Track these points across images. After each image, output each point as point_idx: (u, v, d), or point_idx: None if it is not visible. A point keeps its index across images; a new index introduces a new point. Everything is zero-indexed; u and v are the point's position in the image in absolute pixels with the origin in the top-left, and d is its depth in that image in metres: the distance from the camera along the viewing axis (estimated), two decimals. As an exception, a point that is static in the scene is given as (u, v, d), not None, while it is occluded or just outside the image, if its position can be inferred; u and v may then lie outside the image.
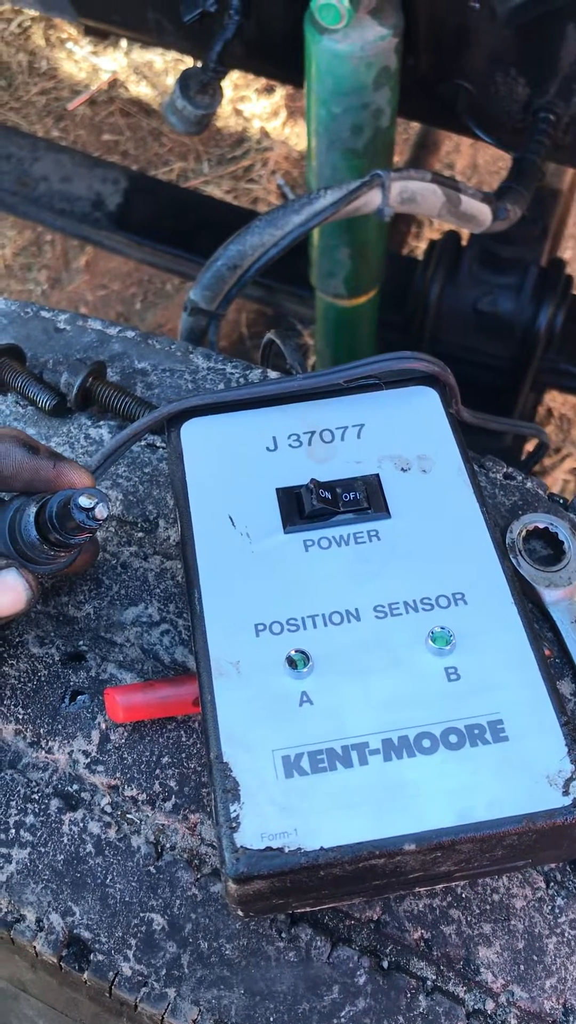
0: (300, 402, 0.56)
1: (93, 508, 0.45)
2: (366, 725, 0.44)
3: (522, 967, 0.50)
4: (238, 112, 1.87)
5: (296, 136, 1.85)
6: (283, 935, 0.49)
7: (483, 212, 0.91)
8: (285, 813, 0.42)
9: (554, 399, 1.61)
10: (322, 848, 0.41)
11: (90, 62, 1.93)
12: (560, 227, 1.45)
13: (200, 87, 1.05)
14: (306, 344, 1.59)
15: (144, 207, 1.33)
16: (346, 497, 0.51)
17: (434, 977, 0.49)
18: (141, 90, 1.89)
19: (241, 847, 0.41)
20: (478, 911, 0.51)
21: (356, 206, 0.82)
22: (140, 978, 0.48)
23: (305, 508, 0.51)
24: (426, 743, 0.44)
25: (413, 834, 0.41)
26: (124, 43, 1.91)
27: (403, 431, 0.54)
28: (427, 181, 0.85)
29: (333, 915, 0.50)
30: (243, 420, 0.55)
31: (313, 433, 0.54)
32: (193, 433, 0.55)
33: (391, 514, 0.51)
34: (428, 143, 1.55)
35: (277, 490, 0.52)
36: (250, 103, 1.88)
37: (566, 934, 0.50)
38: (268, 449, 0.54)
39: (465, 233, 1.19)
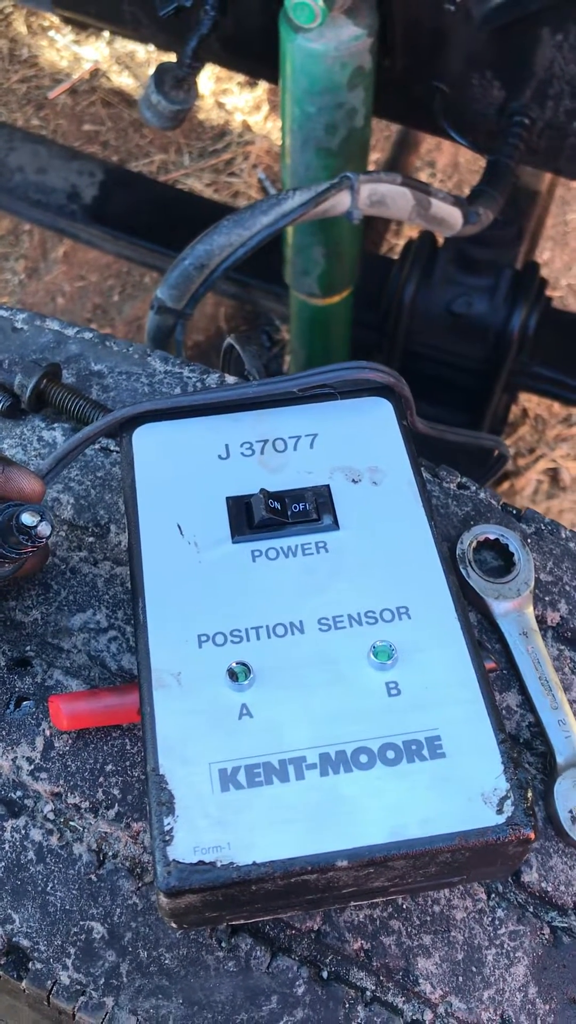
0: (255, 410, 0.55)
1: (36, 526, 0.45)
2: (304, 739, 0.44)
3: (460, 978, 0.50)
4: (220, 105, 1.86)
5: (278, 130, 1.84)
6: (223, 944, 0.49)
7: (454, 216, 0.91)
8: (219, 827, 0.42)
9: (529, 399, 1.61)
10: (254, 863, 0.41)
11: (72, 51, 1.91)
12: (538, 228, 1.45)
13: (175, 82, 1.04)
14: (284, 340, 1.59)
15: (120, 200, 1.33)
16: (295, 508, 0.51)
17: (373, 987, 0.50)
18: (123, 80, 1.88)
19: (173, 860, 0.41)
20: (418, 922, 0.51)
21: (324, 208, 0.82)
22: (78, 987, 0.48)
23: (254, 518, 0.51)
24: (363, 758, 0.44)
25: (346, 850, 0.41)
26: (106, 33, 1.90)
27: (356, 442, 0.54)
28: (397, 184, 0.85)
29: (273, 925, 0.50)
30: (196, 427, 0.55)
31: (266, 442, 0.54)
32: (145, 439, 0.54)
33: (340, 526, 0.51)
34: (408, 141, 1.54)
35: (227, 499, 0.52)
36: (232, 96, 1.87)
37: (505, 946, 0.51)
38: (220, 457, 0.54)
39: (440, 234, 1.19)
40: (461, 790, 0.43)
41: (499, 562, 0.59)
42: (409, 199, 0.85)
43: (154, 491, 0.52)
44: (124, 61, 1.90)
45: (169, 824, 0.42)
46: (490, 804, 0.43)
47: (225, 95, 1.88)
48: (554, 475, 1.58)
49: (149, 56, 1.93)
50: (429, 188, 0.87)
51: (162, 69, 1.05)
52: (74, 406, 0.60)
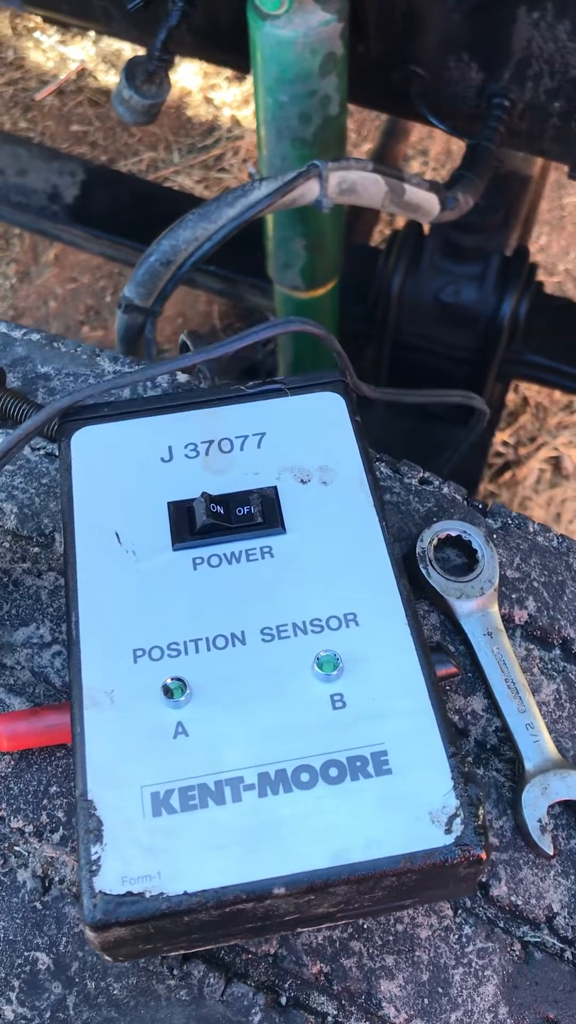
0: (201, 408, 0.53)
1: None
2: (243, 758, 0.42)
3: (426, 1000, 0.47)
4: (208, 100, 1.84)
5: (268, 123, 1.81)
6: (174, 972, 0.47)
7: (429, 202, 0.88)
8: (149, 855, 0.39)
9: (529, 387, 1.58)
10: (185, 893, 0.39)
11: (58, 51, 1.89)
12: (531, 214, 1.42)
13: (146, 76, 1.02)
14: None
15: (102, 199, 1.31)
16: (240, 511, 0.48)
17: (335, 1012, 0.47)
18: (110, 79, 1.86)
19: (99, 892, 0.39)
20: (380, 942, 0.48)
21: (292, 197, 0.79)
22: (23, 1022, 0.46)
23: (195, 523, 0.48)
24: (304, 777, 0.41)
25: (283, 877, 0.39)
26: (92, 32, 1.88)
27: (305, 440, 0.52)
28: (368, 171, 0.82)
29: (228, 950, 0.48)
30: (138, 429, 0.52)
31: (211, 442, 0.51)
32: (84, 442, 0.52)
33: (286, 529, 0.48)
34: (398, 130, 1.51)
35: (169, 504, 0.49)
36: (220, 91, 1.84)
37: (473, 964, 0.48)
38: (163, 460, 0.51)
39: (426, 222, 1.16)
40: (408, 809, 0.40)
41: (462, 559, 0.57)
42: (381, 186, 0.83)
43: (92, 497, 0.50)
44: (111, 60, 1.88)
45: (96, 853, 0.39)
46: (438, 823, 0.40)
47: (213, 90, 1.85)
48: (556, 463, 1.55)
49: (136, 54, 1.90)
50: (402, 174, 0.85)
51: (133, 63, 1.03)
52: (17, 411, 0.58)
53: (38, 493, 0.59)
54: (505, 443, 1.62)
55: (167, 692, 0.43)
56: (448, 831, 0.40)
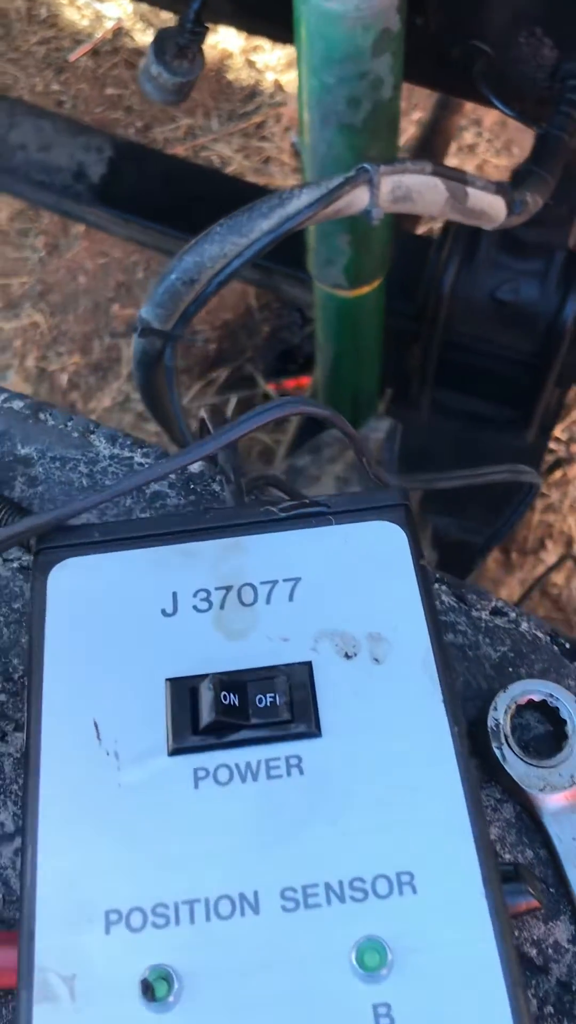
0: (219, 537, 0.41)
1: None
2: None
3: None
4: (250, 64, 1.73)
5: (313, 90, 1.70)
6: None
7: (495, 207, 0.77)
8: None
9: (585, 384, 1.48)
10: None
11: (93, 9, 1.78)
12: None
13: (177, 50, 0.92)
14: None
15: (131, 178, 1.22)
16: (260, 701, 0.36)
17: None
18: (147, 39, 1.76)
19: None
20: None
21: (338, 207, 0.69)
22: None
23: (201, 718, 0.36)
24: None
25: None
26: (128, -12, 1.78)
27: (353, 592, 0.39)
28: (427, 174, 0.72)
29: None
30: (137, 563, 0.40)
31: (229, 589, 0.39)
32: (65, 580, 0.39)
33: (322, 730, 0.36)
34: (451, 102, 1.40)
35: (167, 681, 0.37)
36: (264, 53, 1.73)
37: None
38: (164, 612, 0.39)
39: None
40: None
41: (546, 726, 0.45)
42: (441, 191, 0.72)
43: (69, 662, 0.38)
44: (148, 19, 1.77)
45: None
46: None
47: (256, 52, 1.74)
48: (613, 465, 1.45)
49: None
50: (465, 176, 0.74)
51: (162, 36, 0.93)
52: None
53: (7, 622, 0.47)
54: (557, 439, 1.52)
55: (147, 990, 0.32)
56: None
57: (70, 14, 1.79)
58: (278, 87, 1.71)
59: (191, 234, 1.03)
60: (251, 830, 0.35)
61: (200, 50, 0.92)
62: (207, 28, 0.91)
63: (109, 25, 1.77)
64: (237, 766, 0.36)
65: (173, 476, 0.49)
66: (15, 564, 0.49)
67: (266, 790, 0.35)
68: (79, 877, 0.34)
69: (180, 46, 0.91)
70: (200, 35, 0.90)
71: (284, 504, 0.41)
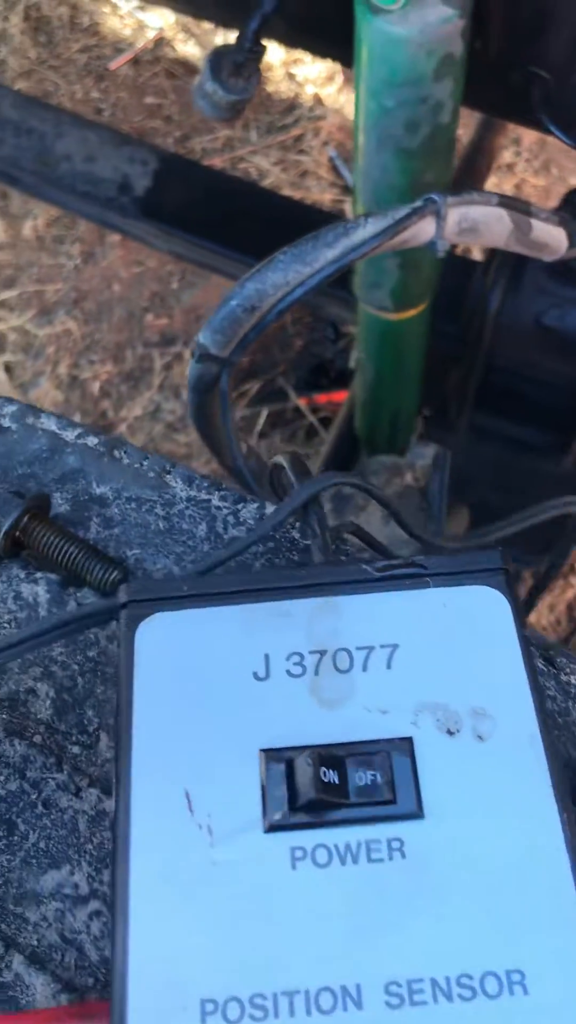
0: (310, 597, 0.39)
1: None
2: None
3: None
4: (291, 76, 1.72)
5: (351, 104, 1.69)
6: None
7: (557, 239, 0.76)
8: None
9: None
10: None
11: (135, 18, 1.78)
12: None
13: (233, 68, 0.91)
14: (350, 333, 1.46)
15: (176, 192, 1.20)
16: (359, 779, 0.34)
17: None
18: (188, 50, 1.75)
19: None
20: None
21: (404, 238, 0.68)
22: None
23: (299, 795, 0.34)
24: None
25: None
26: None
27: (454, 662, 0.37)
28: (492, 205, 0.71)
29: None
30: (227, 623, 0.38)
31: (323, 654, 0.37)
32: (154, 635, 0.38)
33: (424, 812, 0.34)
34: (495, 122, 1.39)
35: (261, 752, 0.35)
36: (304, 66, 1.72)
37: None
38: (257, 676, 0.37)
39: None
40: None
41: None
42: (507, 223, 0.71)
43: (158, 725, 0.36)
44: (191, 29, 1.76)
45: None
46: None
47: (296, 65, 1.73)
48: None
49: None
50: (530, 207, 0.73)
51: (218, 53, 0.92)
52: (60, 554, 0.46)
53: (82, 671, 0.44)
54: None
55: None
56: None
57: (112, 22, 1.78)
58: (318, 100, 1.70)
59: (237, 250, 1.02)
60: (352, 917, 0.33)
61: (257, 69, 0.91)
62: (264, 47, 0.89)
63: (151, 35, 1.76)
64: (336, 847, 0.34)
65: (252, 522, 0.47)
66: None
67: (367, 874, 0.33)
68: (173, 960, 0.32)
69: (236, 64, 0.90)
70: (258, 54, 0.89)
71: (379, 563, 0.39)
